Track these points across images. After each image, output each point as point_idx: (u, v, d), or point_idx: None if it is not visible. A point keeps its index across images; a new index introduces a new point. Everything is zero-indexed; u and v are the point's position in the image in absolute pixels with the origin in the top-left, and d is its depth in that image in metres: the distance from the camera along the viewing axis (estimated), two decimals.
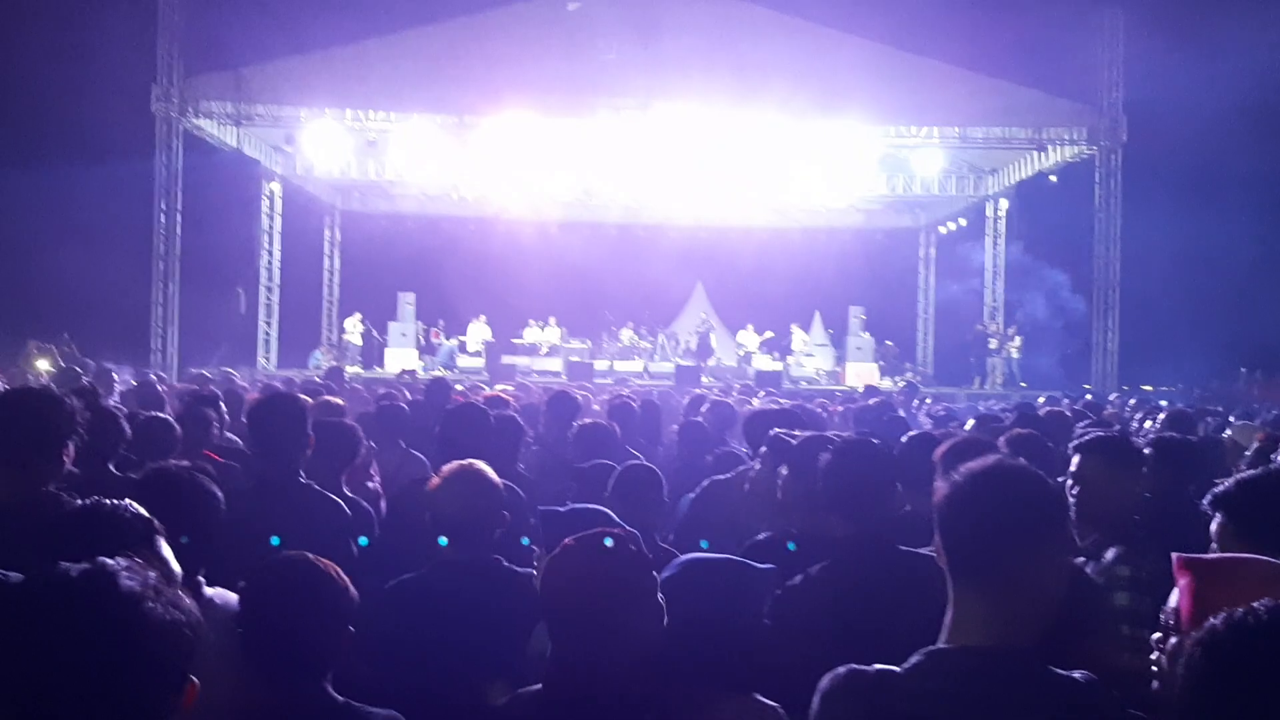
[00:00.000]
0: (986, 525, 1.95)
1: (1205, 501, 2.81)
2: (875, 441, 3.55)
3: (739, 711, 2.46)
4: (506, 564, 3.34)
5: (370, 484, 5.78)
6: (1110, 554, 3.39)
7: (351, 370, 22.51)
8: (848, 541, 3.17)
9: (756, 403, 10.16)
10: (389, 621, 3.14)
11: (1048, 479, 2.06)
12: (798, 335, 26.01)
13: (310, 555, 2.53)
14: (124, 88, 20.00)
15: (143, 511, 2.28)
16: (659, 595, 2.39)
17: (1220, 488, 2.78)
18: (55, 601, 1.40)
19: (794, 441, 3.90)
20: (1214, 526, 2.74)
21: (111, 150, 19.79)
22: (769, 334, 25.88)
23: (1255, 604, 1.48)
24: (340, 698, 2.46)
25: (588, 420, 6.27)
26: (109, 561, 1.45)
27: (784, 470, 3.78)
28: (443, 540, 3.31)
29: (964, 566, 1.97)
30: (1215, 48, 18.99)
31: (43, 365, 16.87)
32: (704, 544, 3.58)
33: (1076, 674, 1.93)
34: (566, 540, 2.45)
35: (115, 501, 2.29)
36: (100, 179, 19.23)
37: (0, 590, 1.54)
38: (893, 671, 1.94)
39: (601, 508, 3.47)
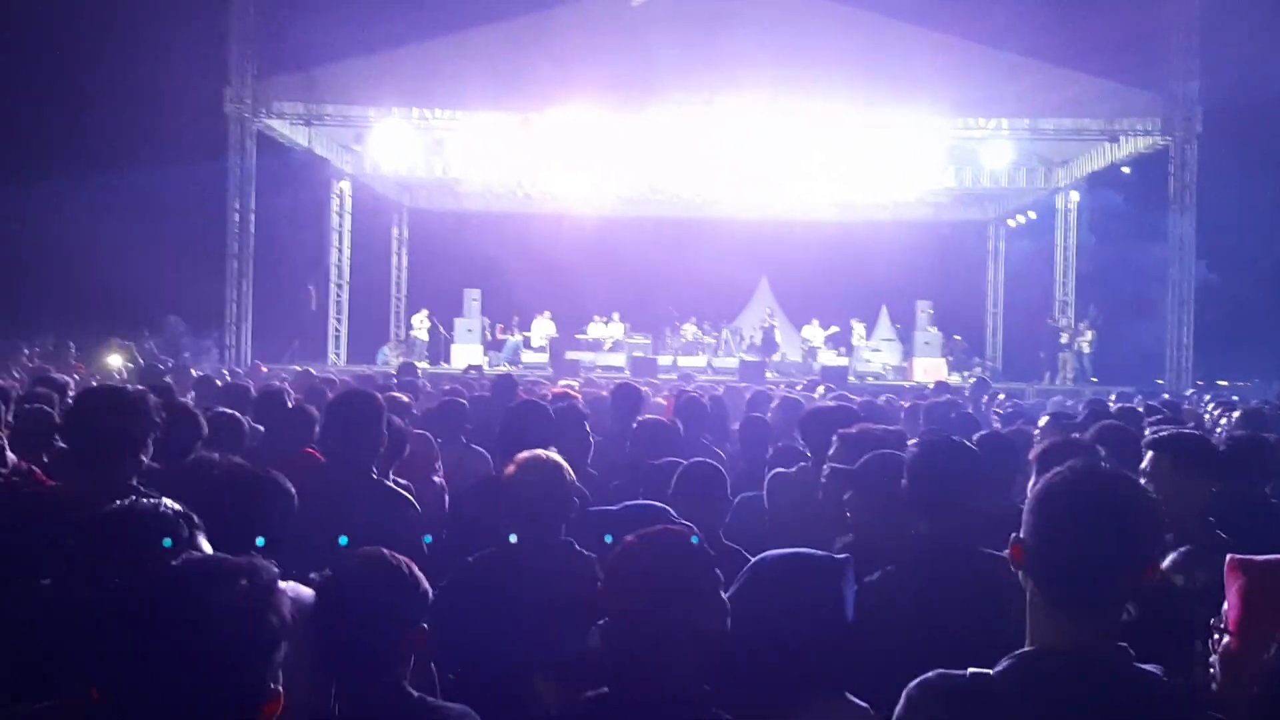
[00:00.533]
0: (1083, 531, 1.91)
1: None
2: (966, 442, 3.52)
3: (829, 712, 2.43)
4: (578, 548, 3.41)
5: (436, 479, 5.86)
6: (1168, 560, 3.32)
7: (418, 366, 22.79)
8: (927, 541, 3.15)
9: (817, 397, 10.10)
10: (460, 597, 3.21)
11: (1140, 489, 2.02)
12: (857, 330, 25.78)
13: (385, 551, 2.55)
14: (198, 90, 20.44)
15: (178, 508, 2.32)
16: (723, 593, 2.37)
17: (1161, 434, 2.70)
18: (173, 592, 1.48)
19: (853, 468, 3.87)
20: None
21: (187, 152, 20.26)
22: (834, 329, 25.70)
23: None
24: (415, 693, 2.47)
25: (649, 416, 6.28)
26: (227, 560, 1.52)
27: (846, 496, 3.77)
28: (512, 537, 3.39)
29: (1054, 570, 1.93)
30: None
31: (117, 361, 17.33)
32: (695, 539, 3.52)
33: (1155, 668, 1.91)
34: (628, 538, 2.42)
35: (154, 499, 2.34)
36: (176, 180, 19.67)
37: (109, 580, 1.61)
38: (985, 675, 1.92)
39: (657, 504, 3.48)
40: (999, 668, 1.92)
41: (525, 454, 3.55)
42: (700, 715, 2.28)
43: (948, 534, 3.12)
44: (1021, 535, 1.99)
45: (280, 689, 1.57)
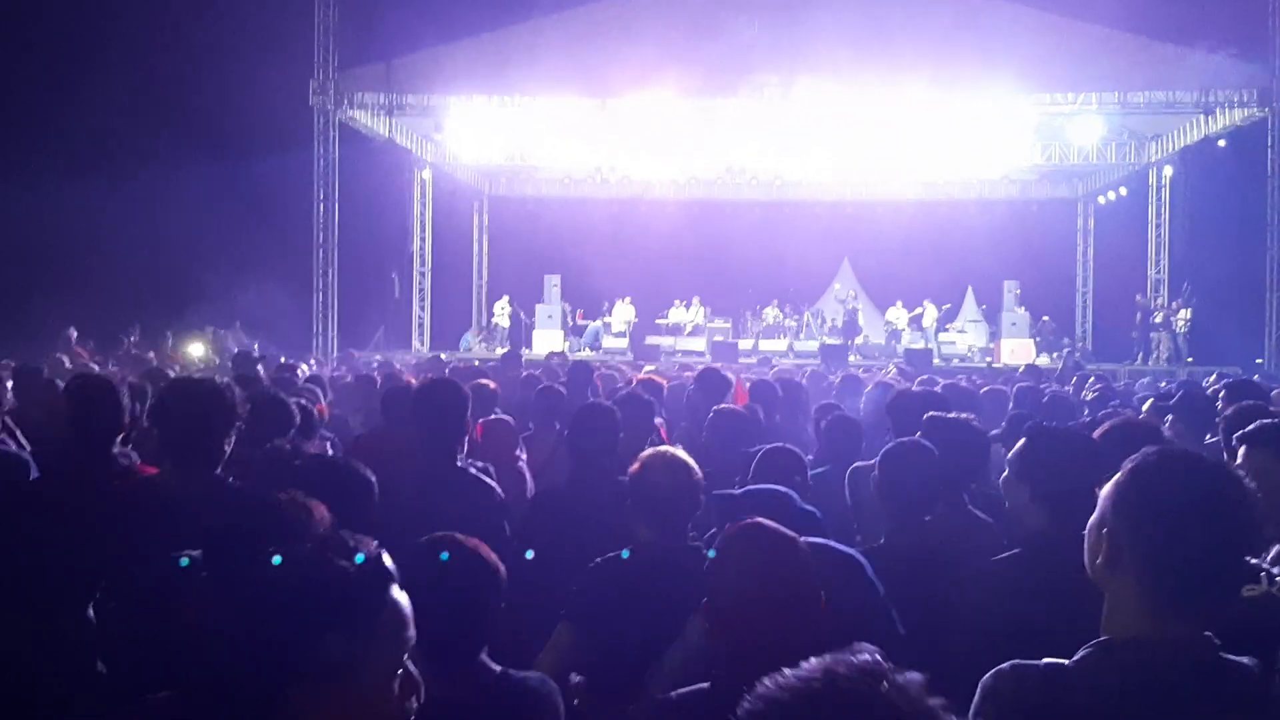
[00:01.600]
0: (1194, 520, 1.86)
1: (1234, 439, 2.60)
2: (1084, 433, 3.43)
3: None
4: (705, 552, 3.27)
5: (518, 464, 5.90)
6: (1274, 550, 3.18)
7: (500, 352, 23.00)
8: (1048, 535, 3.05)
9: (888, 377, 9.95)
10: (588, 599, 3.20)
11: (1241, 477, 1.96)
12: (929, 311, 25.28)
13: (458, 535, 2.59)
14: (283, 83, 20.81)
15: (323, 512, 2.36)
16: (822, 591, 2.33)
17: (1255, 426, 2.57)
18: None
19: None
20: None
21: (273, 144, 20.64)
22: (918, 310, 25.35)
23: None
24: (497, 667, 2.53)
25: (724, 405, 6.24)
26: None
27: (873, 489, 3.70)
28: (625, 553, 3.30)
29: (1159, 561, 1.89)
30: None
31: (200, 351, 17.76)
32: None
33: (1246, 660, 1.85)
34: (732, 527, 2.39)
35: (297, 498, 2.38)
36: (263, 172, 20.06)
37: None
38: (1061, 665, 1.89)
39: (780, 488, 3.42)
40: (1077, 657, 1.89)
41: (651, 452, 3.47)
42: None
43: (1068, 526, 3.02)
44: (1108, 525, 1.94)
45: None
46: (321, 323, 21.55)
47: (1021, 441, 3.25)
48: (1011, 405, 7.36)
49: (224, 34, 19.94)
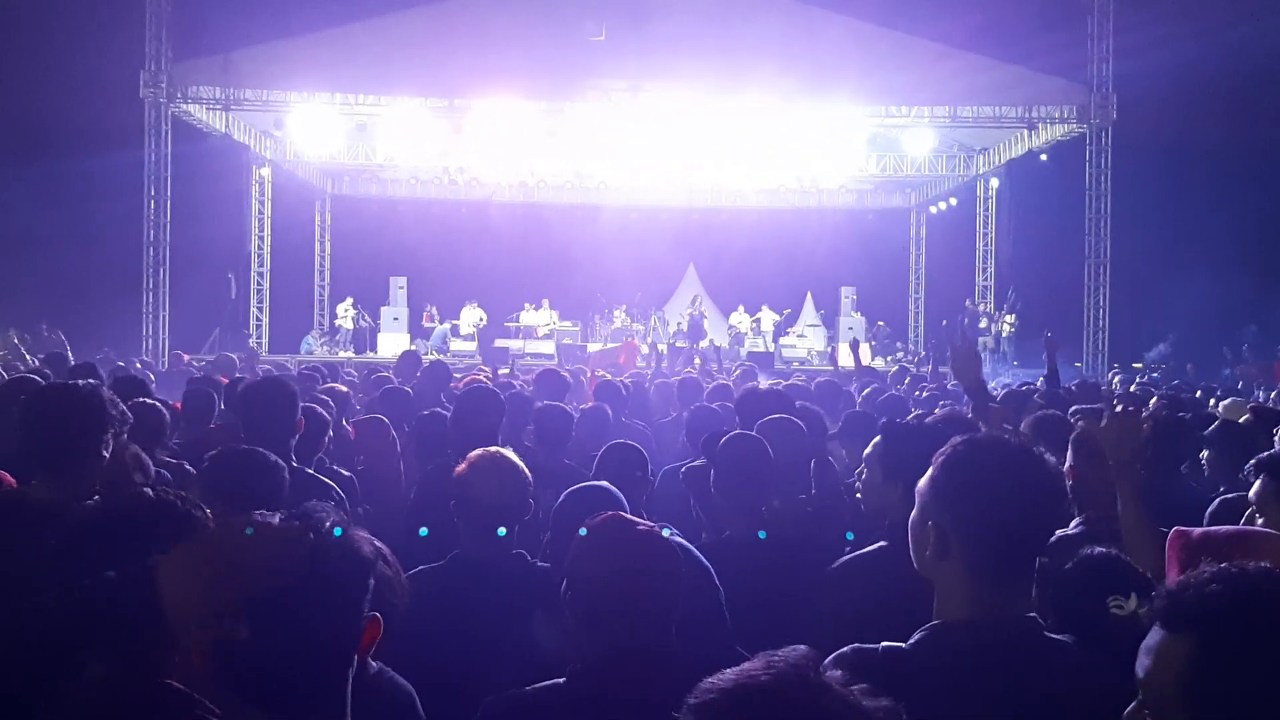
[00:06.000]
0: (996, 504, 1.95)
1: (1248, 466, 2.78)
2: (931, 426, 3.53)
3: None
4: (530, 559, 3.14)
5: (396, 461, 5.80)
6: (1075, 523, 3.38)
7: (344, 355, 22.52)
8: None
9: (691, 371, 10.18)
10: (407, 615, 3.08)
11: (1044, 457, 2.07)
12: (766, 316, 25.91)
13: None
14: (113, 76, 19.90)
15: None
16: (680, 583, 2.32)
17: (1266, 454, 2.76)
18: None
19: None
20: (1255, 489, 2.72)
21: (102, 139, 19.72)
22: (758, 316, 25.92)
23: None
24: (375, 664, 2.45)
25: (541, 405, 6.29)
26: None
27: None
28: (501, 531, 3.09)
29: (968, 544, 1.97)
30: (1205, 22, 19.00)
31: None
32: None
33: (1067, 638, 1.97)
34: (592, 522, 2.35)
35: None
36: (92, 168, 19.15)
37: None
38: (899, 648, 1.96)
39: (603, 483, 3.41)
40: (913, 640, 1.96)
41: (479, 453, 3.22)
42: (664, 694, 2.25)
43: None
44: (932, 518, 2.02)
45: (377, 615, 1.69)
46: (151, 324, 20.66)
47: (879, 440, 3.33)
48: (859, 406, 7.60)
49: (47, 23, 18.94)
